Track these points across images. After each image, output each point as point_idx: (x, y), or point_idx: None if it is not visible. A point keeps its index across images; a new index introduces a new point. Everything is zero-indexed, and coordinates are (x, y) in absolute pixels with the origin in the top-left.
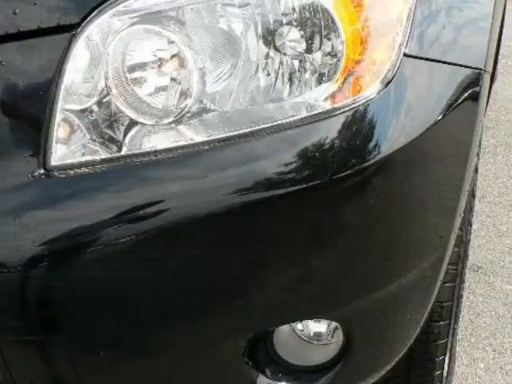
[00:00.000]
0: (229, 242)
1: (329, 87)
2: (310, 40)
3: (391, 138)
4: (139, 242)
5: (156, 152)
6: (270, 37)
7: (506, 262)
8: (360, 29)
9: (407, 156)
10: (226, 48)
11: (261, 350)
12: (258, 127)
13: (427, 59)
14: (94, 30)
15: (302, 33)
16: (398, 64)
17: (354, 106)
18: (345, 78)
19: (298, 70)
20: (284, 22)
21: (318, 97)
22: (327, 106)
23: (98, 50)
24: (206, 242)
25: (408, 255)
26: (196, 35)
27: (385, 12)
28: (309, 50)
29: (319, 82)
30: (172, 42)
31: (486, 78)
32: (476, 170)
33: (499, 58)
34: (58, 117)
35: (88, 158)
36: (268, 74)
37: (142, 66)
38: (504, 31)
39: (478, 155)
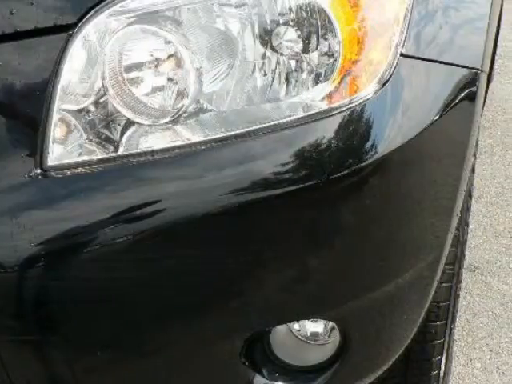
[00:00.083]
0: (225, 242)
1: (325, 87)
2: (306, 40)
3: (388, 137)
4: (136, 242)
5: (153, 152)
6: (266, 37)
7: (503, 262)
8: (357, 29)
9: (404, 156)
10: (223, 48)
11: (258, 350)
12: (254, 127)
13: (424, 59)
14: (91, 29)
15: (299, 33)
16: (394, 64)
17: (350, 106)
18: (341, 78)
19: (295, 70)
20: (281, 22)
21: (314, 97)
22: (324, 106)
23: (95, 49)
24: (203, 242)
25: (405, 255)
26: (193, 35)
27: (381, 12)
28: (306, 50)
29: (316, 82)
30: (169, 42)
31: (483, 78)
32: (473, 170)
33: (496, 58)
34: (55, 117)
35: (85, 157)
36: (265, 74)
37: (138, 66)
38: (501, 31)
39: (474, 155)
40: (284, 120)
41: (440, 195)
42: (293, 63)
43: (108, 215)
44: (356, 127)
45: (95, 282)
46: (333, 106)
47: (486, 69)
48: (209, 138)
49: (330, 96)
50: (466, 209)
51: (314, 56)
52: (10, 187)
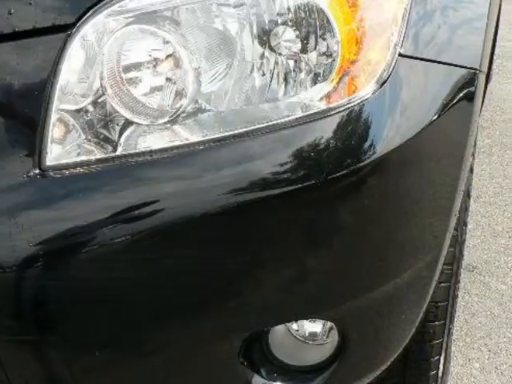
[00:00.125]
0: (224, 242)
1: (324, 87)
2: (305, 40)
3: (386, 138)
4: (134, 242)
5: (151, 152)
6: (265, 37)
7: (501, 262)
8: (355, 29)
9: (402, 156)
10: (221, 48)
11: (256, 350)
12: (253, 127)
13: (422, 59)
14: (90, 29)
15: (298, 33)
16: (393, 64)
17: (349, 106)
18: (340, 78)
19: (293, 70)
20: (279, 21)
21: (313, 97)
22: (322, 106)
23: (93, 49)
24: (201, 242)
25: (403, 255)
26: (191, 35)
27: (380, 12)
28: (304, 50)
29: (314, 82)
30: (167, 42)
31: (481, 78)
32: (471, 170)
33: (494, 58)
34: (53, 117)
35: (83, 157)
36: (263, 74)
37: (137, 66)
38: (499, 31)
39: (473, 155)
40: (282, 120)
41: (438, 195)
42: (291, 63)
43: (106, 215)
44: (354, 127)
45: (93, 281)
46: (331, 106)
47: (485, 69)
48: (207, 137)
49: (328, 96)
50: (465, 209)
51: (313, 56)
52: (9, 187)
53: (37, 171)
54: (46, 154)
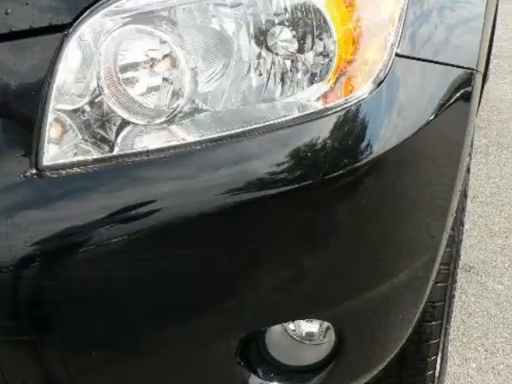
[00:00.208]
0: (221, 242)
1: (321, 87)
2: (302, 40)
3: (383, 138)
4: (131, 242)
5: (148, 152)
6: (262, 37)
7: (498, 262)
8: (352, 29)
9: (399, 156)
10: (218, 48)
11: (253, 350)
12: (249, 127)
13: (419, 59)
14: (86, 29)
15: (294, 33)
16: (390, 64)
17: (345, 105)
18: (337, 78)
19: (290, 70)
20: (276, 21)
21: (309, 97)
22: (319, 105)
23: (90, 49)
24: (198, 242)
25: (400, 255)
26: (188, 35)
27: (377, 12)
28: (301, 50)
29: (311, 81)
30: (164, 42)
31: (478, 78)
32: (468, 170)
33: (491, 58)
34: (50, 117)
35: (80, 157)
36: (260, 74)
37: (133, 66)
38: (496, 31)
39: (470, 155)
40: (279, 120)
41: (435, 195)
42: (288, 63)
43: (103, 215)
44: (351, 127)
45: (90, 281)
46: (328, 106)
47: (481, 69)
48: (204, 137)
49: (325, 96)
50: (461, 209)
51: (309, 56)
52: (5, 187)
53: (34, 171)
54: (43, 153)
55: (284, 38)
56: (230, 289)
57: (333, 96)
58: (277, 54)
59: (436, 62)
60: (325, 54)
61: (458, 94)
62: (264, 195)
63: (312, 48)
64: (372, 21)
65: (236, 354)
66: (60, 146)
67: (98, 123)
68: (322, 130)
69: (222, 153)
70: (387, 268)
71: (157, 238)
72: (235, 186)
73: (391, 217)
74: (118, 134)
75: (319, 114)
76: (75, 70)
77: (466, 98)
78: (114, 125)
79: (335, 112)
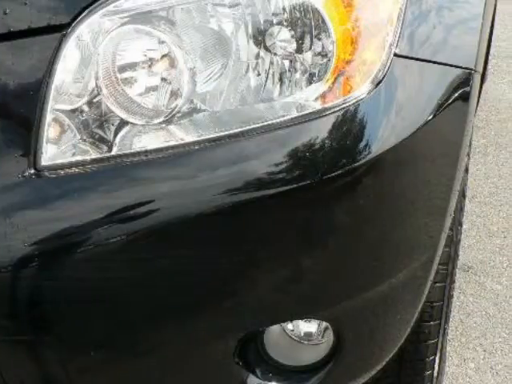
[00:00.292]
0: (219, 242)
1: (319, 87)
2: (300, 40)
3: (381, 138)
4: (129, 242)
5: (146, 152)
6: (260, 37)
7: (497, 262)
8: (350, 29)
9: (397, 156)
10: (217, 48)
11: (251, 350)
12: (248, 127)
13: (417, 59)
14: (85, 30)
15: (293, 33)
16: (388, 64)
17: (344, 106)
18: (335, 78)
19: (289, 70)
20: (274, 21)
21: (308, 97)
22: (317, 106)
23: (89, 50)
24: (197, 242)
25: (398, 255)
26: (186, 35)
27: (375, 12)
28: (299, 50)
29: (309, 82)
30: (162, 42)
31: (477, 78)
32: (466, 170)
33: (489, 58)
34: (49, 117)
35: (78, 157)
36: (258, 74)
37: (132, 66)
38: (494, 31)
39: (468, 155)
40: (278, 120)
41: (434, 195)
42: (286, 63)
43: (102, 215)
44: (349, 127)
45: (89, 282)
46: (326, 106)
47: (480, 69)
48: (202, 138)
49: (323, 96)
50: (460, 209)
51: (308, 56)
52: (4, 187)
53: (32, 171)
54: (42, 154)
55: (282, 38)
56: (229, 289)
57: (331, 96)
58: (275, 54)
59: (434, 62)
60: (323, 54)
61: (456, 94)
62: (262, 195)
63: (310, 48)
64: (370, 21)
65: (234, 353)
66: (58, 146)
67: (96, 123)
68: (320, 130)
69: (220, 153)
70: (385, 268)
71: (155, 238)
72: (233, 185)
73: (389, 217)
74: (116, 133)
75: (317, 114)
76: (73, 70)
77: (465, 97)
78: (113, 125)
79: (333, 112)
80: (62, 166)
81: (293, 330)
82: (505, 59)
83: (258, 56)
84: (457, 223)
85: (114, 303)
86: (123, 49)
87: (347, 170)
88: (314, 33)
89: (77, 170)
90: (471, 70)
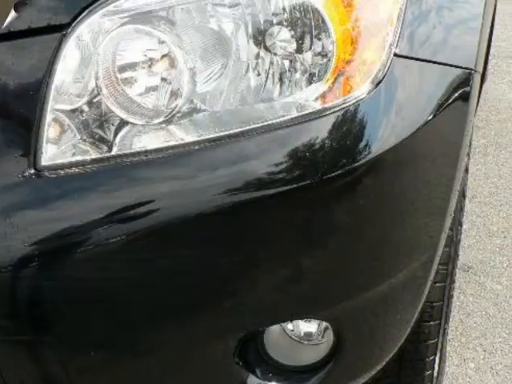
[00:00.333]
0: (219, 242)
1: (319, 87)
2: (300, 40)
3: (381, 138)
4: (129, 242)
5: (146, 152)
6: (260, 37)
7: (497, 262)
8: (350, 29)
9: (398, 156)
10: (217, 48)
11: (251, 350)
12: (248, 127)
13: (417, 59)
14: (85, 29)
15: (293, 33)
16: (388, 64)
17: (344, 106)
18: (335, 78)
19: (289, 70)
20: (274, 21)
21: (308, 97)
22: (317, 106)
23: (89, 50)
24: (197, 242)
25: (398, 255)
26: (186, 35)
27: (375, 12)
28: (299, 50)
29: (309, 82)
30: (162, 42)
31: (477, 78)
32: (466, 170)
33: (489, 58)
34: (49, 117)
35: (78, 157)
36: (258, 74)
37: (132, 66)
38: (494, 31)
39: (468, 155)
40: (278, 120)
41: (434, 195)
42: (286, 63)
43: (102, 215)
44: (349, 127)
45: (89, 282)
46: (326, 106)
47: (480, 69)
48: (202, 138)
49: (323, 96)
50: (460, 209)
51: (308, 56)
52: (4, 187)
53: (32, 171)
54: (42, 154)
55: (282, 38)
56: (229, 289)
57: (331, 96)
58: (275, 54)
59: (434, 62)
60: (323, 54)
61: (456, 94)
62: (262, 195)
63: (310, 48)
64: (370, 21)
65: (234, 353)
66: (58, 146)
67: (96, 123)
68: (320, 130)
69: (220, 153)
70: (385, 268)
71: (155, 238)
72: (233, 186)
73: (389, 217)
74: (116, 133)
75: (317, 114)
76: (73, 70)
77: (465, 98)
78: (113, 125)
79: (333, 112)
80: (62, 166)
81: (293, 330)
82: (505, 59)
83: (257, 56)
84: (457, 223)
85: (114, 303)
86: (123, 49)
87: (347, 169)
88: (314, 33)
89: (77, 170)
90: (471, 70)
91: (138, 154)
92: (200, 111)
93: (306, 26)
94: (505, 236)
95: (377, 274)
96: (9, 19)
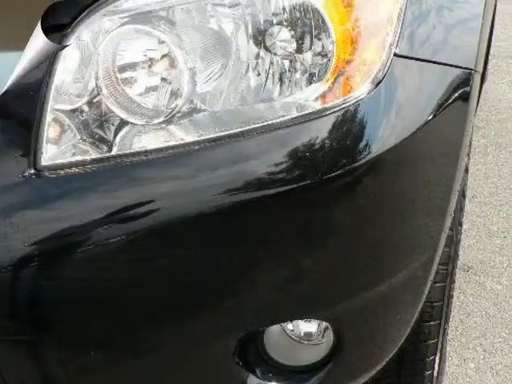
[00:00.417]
0: (219, 242)
1: (319, 87)
2: (300, 40)
3: (381, 138)
4: (129, 242)
5: (146, 152)
6: (260, 37)
7: (497, 262)
8: (350, 29)
9: (398, 156)
10: (217, 48)
11: (251, 350)
12: (248, 127)
13: (417, 59)
14: (85, 30)
15: (293, 33)
16: (388, 64)
17: (344, 106)
18: (335, 78)
19: (289, 70)
20: (274, 21)
21: (308, 97)
22: (317, 106)
23: (89, 50)
24: (197, 242)
25: (398, 255)
26: (186, 35)
27: (375, 12)
28: (299, 50)
29: (309, 82)
30: (162, 42)
31: (477, 78)
32: (466, 170)
33: (489, 58)
34: (49, 117)
35: (78, 157)
36: (258, 74)
37: (132, 66)
38: (494, 31)
39: (468, 155)
40: (278, 120)
41: (434, 195)
42: (286, 63)
43: (102, 215)
44: (349, 127)
45: (89, 282)
46: (326, 106)
47: (480, 69)
48: (202, 138)
49: (323, 96)
50: (460, 209)
51: (308, 56)
52: (4, 187)
53: (32, 171)
54: (42, 154)
55: (282, 37)
56: (229, 289)
57: (331, 96)
58: (275, 54)
59: (434, 62)
60: (323, 54)
61: (456, 94)
62: (262, 195)
63: (310, 48)
64: (370, 21)
65: (234, 353)
66: (58, 146)
67: (96, 123)
68: (320, 130)
69: (220, 153)
70: (385, 268)
71: (155, 238)
72: (233, 186)
73: (389, 217)
74: (116, 133)
75: (317, 114)
76: (73, 70)
77: (465, 97)
78: (113, 125)
79: (333, 112)
80: (62, 166)
81: (293, 330)
82: (505, 59)
83: (257, 56)
84: (457, 223)
85: (114, 303)
86: (123, 49)
87: (347, 169)
88: (314, 33)
89: (77, 170)
90: (471, 70)
91: (138, 154)
92: (200, 111)
93: (305, 25)
94: (505, 236)
95: (377, 274)
96: None
